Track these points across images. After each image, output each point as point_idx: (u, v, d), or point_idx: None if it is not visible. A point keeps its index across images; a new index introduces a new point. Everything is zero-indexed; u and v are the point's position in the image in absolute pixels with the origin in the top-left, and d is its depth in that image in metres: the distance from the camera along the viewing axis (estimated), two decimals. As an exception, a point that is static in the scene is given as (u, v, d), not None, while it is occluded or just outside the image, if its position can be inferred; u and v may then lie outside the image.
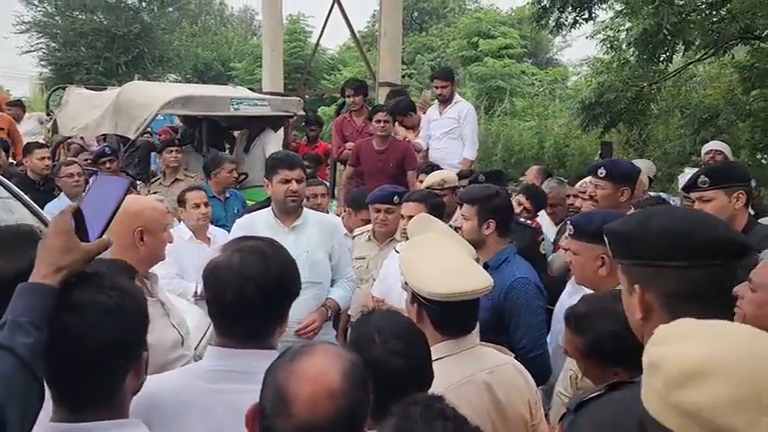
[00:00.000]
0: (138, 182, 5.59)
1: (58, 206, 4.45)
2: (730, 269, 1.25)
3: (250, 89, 7.79)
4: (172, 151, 5.59)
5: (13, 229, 1.71)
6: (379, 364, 1.41)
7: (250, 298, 1.46)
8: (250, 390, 1.32)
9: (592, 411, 1.39)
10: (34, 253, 1.24)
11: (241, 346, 1.50)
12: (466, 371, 1.78)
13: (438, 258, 1.89)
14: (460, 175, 5.07)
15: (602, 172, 3.21)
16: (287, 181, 3.02)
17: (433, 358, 1.71)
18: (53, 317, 1.17)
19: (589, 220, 2.30)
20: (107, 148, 5.66)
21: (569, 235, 2.36)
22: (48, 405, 1.22)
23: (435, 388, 1.65)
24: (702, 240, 1.23)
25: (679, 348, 0.86)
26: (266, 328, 1.53)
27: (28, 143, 5.93)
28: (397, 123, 5.67)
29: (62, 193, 4.92)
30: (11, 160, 6.34)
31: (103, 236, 1.30)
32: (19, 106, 9.06)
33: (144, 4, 22.52)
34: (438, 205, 3.36)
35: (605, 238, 1.37)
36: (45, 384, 1.18)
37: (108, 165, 5.38)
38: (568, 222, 2.38)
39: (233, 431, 1.37)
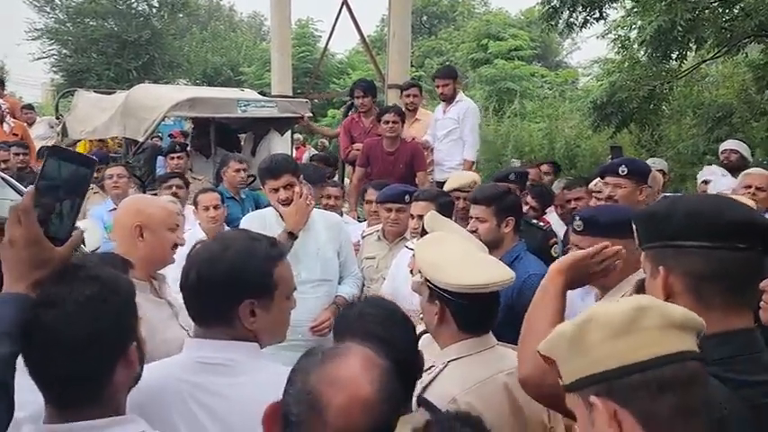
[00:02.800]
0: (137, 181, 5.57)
1: (103, 210, 4.46)
2: (757, 255, 1.20)
3: (260, 93, 7.79)
4: (174, 158, 5.59)
5: None
6: None
7: (190, 283, 1.48)
8: (229, 383, 1.36)
9: None
10: None
11: (211, 335, 1.47)
12: (486, 371, 1.72)
13: (457, 254, 1.85)
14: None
15: (623, 170, 3.15)
16: (275, 190, 2.99)
17: (453, 357, 1.68)
18: (29, 311, 1.12)
19: (601, 214, 2.23)
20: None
21: (577, 230, 2.23)
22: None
23: (454, 387, 1.62)
24: (725, 221, 1.19)
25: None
26: (213, 317, 1.48)
27: (41, 147, 5.94)
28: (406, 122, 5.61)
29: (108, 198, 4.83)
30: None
31: (73, 231, 1.21)
32: (31, 110, 9.16)
33: (154, 11, 22.65)
34: (447, 204, 3.33)
35: (633, 226, 1.33)
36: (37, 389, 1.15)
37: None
38: (576, 217, 2.28)
39: (211, 423, 1.38)
